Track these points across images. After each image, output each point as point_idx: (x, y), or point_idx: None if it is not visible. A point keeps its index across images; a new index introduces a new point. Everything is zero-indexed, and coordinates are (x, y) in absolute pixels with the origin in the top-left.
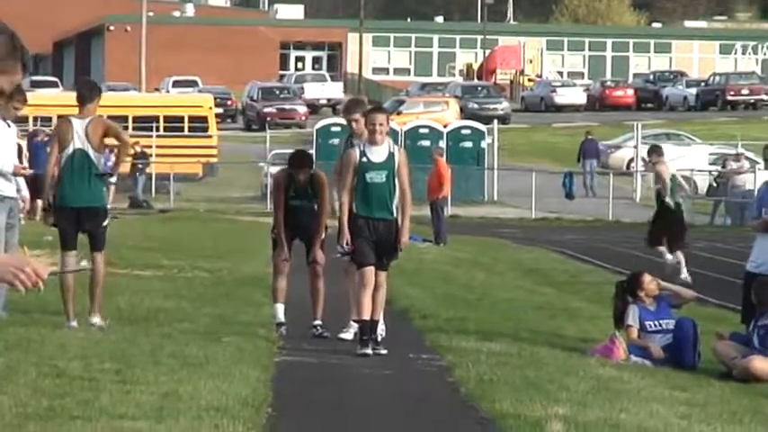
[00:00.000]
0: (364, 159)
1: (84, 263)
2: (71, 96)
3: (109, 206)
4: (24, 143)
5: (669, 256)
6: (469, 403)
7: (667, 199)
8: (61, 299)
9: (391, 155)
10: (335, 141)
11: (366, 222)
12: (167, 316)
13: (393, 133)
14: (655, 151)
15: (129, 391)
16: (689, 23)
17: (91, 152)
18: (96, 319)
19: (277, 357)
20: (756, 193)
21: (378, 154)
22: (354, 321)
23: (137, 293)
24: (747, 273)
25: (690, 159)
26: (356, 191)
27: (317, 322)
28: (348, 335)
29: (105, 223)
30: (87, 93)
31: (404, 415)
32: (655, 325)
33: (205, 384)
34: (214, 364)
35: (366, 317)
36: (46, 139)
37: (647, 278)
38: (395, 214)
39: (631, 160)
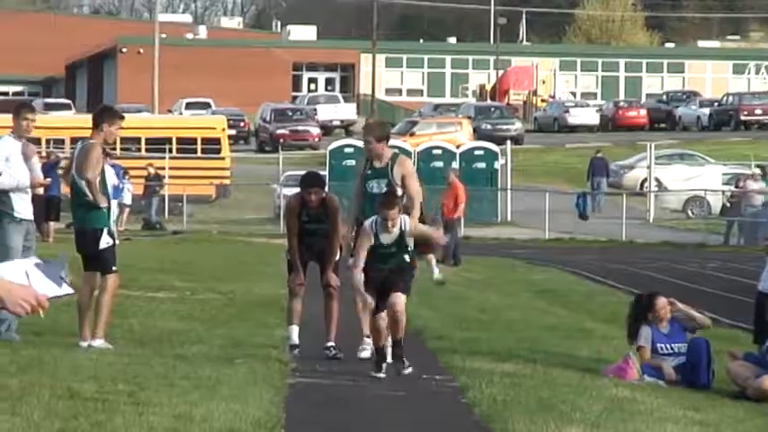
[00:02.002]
0: (376, 241)
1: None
2: (84, 119)
3: (121, 228)
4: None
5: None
6: (483, 424)
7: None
8: (77, 319)
9: (402, 232)
10: (349, 163)
11: (379, 270)
12: (180, 338)
13: (406, 154)
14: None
15: (143, 413)
16: (702, 43)
17: (76, 177)
18: (97, 342)
19: (290, 379)
20: None
21: (389, 237)
22: (367, 337)
23: (150, 315)
24: (759, 293)
25: (703, 179)
26: (371, 253)
27: (331, 344)
28: (366, 353)
29: (102, 246)
30: (93, 118)
31: None
32: (666, 348)
33: (218, 406)
34: (227, 386)
35: (379, 342)
36: (57, 160)
37: (660, 302)
38: (408, 259)
39: (644, 180)
